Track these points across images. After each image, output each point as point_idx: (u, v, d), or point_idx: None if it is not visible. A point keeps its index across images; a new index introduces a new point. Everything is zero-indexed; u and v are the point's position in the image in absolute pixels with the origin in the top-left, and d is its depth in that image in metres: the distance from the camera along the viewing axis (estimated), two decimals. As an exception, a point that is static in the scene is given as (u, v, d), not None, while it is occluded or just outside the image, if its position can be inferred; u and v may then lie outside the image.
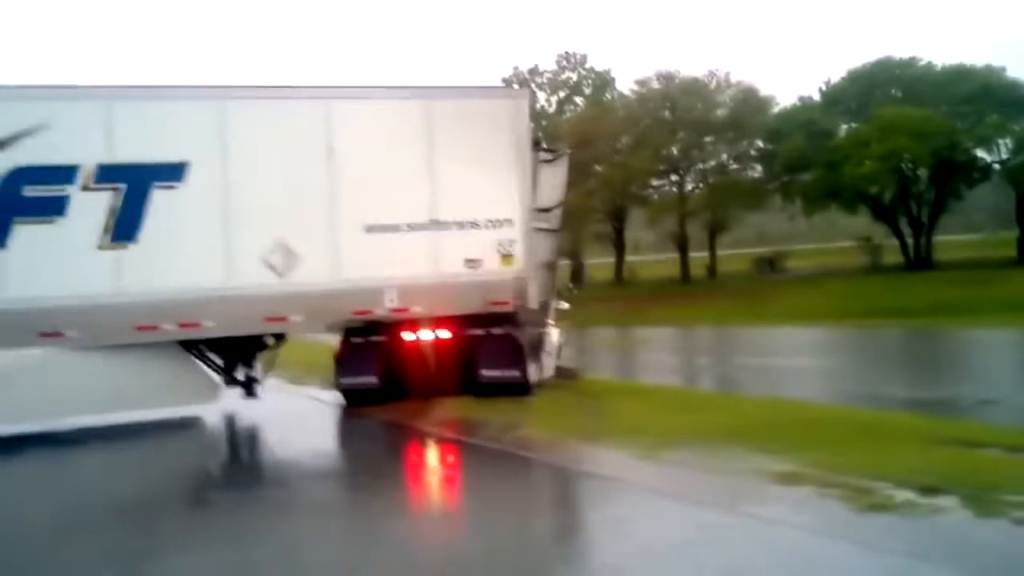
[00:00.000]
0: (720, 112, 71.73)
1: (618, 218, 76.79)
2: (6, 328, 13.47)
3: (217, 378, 15.33)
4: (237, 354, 15.45)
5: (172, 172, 14.20)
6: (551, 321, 19.57)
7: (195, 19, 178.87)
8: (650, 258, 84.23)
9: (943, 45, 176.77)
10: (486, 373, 15.21)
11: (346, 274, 14.86)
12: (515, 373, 15.19)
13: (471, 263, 15.43)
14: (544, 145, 19.20)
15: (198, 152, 14.32)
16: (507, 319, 15.80)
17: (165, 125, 14.24)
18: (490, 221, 15.55)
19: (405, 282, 15.13)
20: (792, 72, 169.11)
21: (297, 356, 19.02)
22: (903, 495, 8.02)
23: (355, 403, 15.87)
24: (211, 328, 14.46)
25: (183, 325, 14.26)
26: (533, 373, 16.12)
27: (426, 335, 15.55)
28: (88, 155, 13.87)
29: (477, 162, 15.39)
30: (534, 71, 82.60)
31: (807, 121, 64.41)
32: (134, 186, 14.03)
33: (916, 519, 7.47)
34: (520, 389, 15.19)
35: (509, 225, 15.65)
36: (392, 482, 10.73)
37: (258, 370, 15.66)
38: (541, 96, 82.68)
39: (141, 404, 14.54)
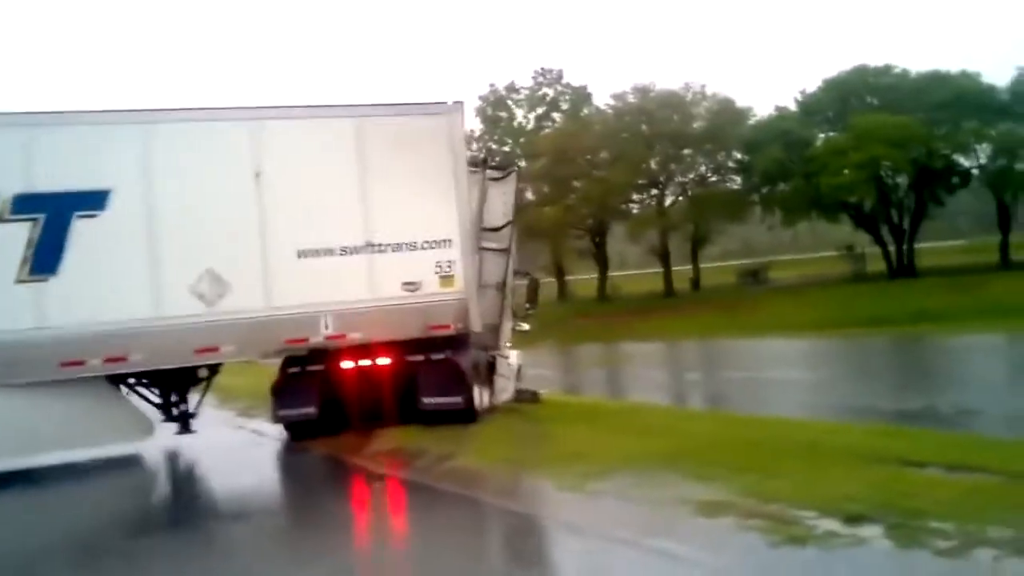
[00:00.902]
0: (697, 124, 71.88)
1: (599, 233, 76.50)
2: None
3: (148, 414, 14.70)
4: (169, 387, 14.87)
5: (93, 200, 13.63)
6: (507, 343, 19.12)
7: (117, 40, 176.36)
8: (633, 273, 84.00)
9: (917, 52, 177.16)
10: (427, 400, 14.64)
11: (278, 301, 14.29)
12: (457, 399, 14.62)
13: (409, 286, 14.87)
14: (492, 162, 18.79)
15: (120, 179, 13.76)
16: (451, 343, 15.26)
17: (85, 151, 13.66)
18: (428, 242, 15.00)
19: (341, 308, 14.56)
20: (768, 82, 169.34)
21: (243, 382, 18.40)
22: (826, 525, 7.53)
23: (296, 435, 15.34)
24: (139, 362, 13.88)
25: (109, 360, 13.68)
26: (480, 398, 15.58)
27: (365, 362, 14.96)
28: (4, 184, 13.32)
29: (413, 181, 14.84)
30: (511, 87, 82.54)
31: (784, 131, 64.40)
32: (53, 216, 13.46)
33: (832, 552, 6.99)
34: (464, 415, 14.62)
35: (448, 245, 15.09)
36: (302, 521, 10.30)
37: (192, 403, 15.05)
38: (519, 112, 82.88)
39: (68, 444, 13.94)
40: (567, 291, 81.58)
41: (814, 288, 63.60)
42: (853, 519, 7.59)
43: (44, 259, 13.41)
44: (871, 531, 7.31)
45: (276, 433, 15.76)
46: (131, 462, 14.65)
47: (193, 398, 15.17)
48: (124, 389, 14.48)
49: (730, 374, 40.17)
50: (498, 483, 10.51)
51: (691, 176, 74.81)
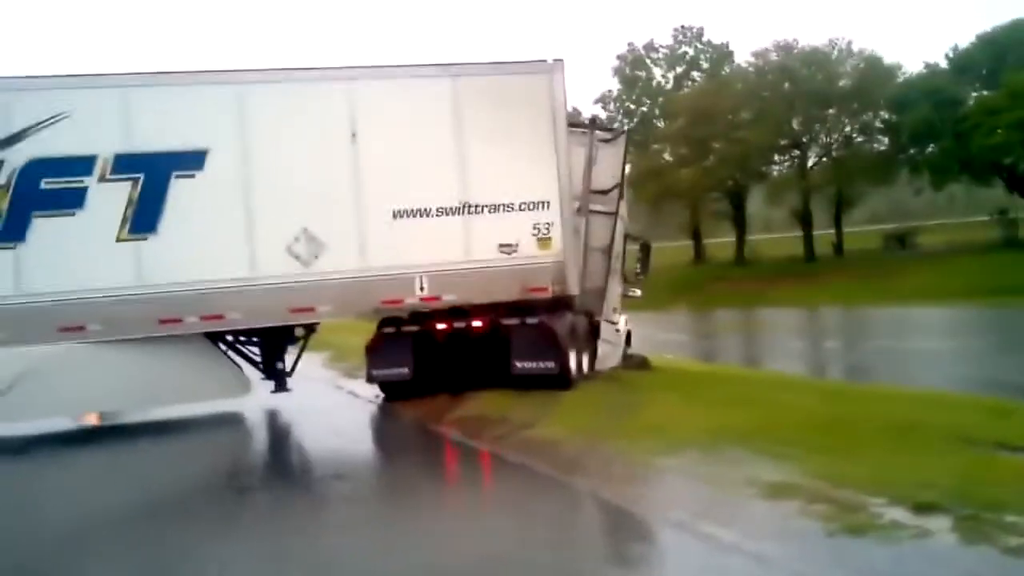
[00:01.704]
0: (842, 83, 69.45)
1: (738, 195, 74.80)
2: (27, 323, 13.28)
3: (245, 372, 14.88)
4: (267, 346, 15.00)
5: (191, 160, 13.79)
6: (615, 308, 18.75)
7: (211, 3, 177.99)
8: (773, 236, 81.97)
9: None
10: (520, 365, 14.40)
11: (373, 262, 14.26)
12: (550, 364, 14.32)
13: (505, 248, 14.66)
14: (601, 123, 18.37)
15: (217, 139, 13.89)
16: (548, 307, 14.99)
17: (182, 112, 13.83)
18: (525, 203, 14.74)
19: (435, 269, 14.44)
20: (918, 38, 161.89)
21: (357, 340, 18.35)
22: (893, 514, 7.04)
23: (390, 395, 15.34)
24: (235, 320, 14.07)
25: (206, 317, 13.88)
26: (579, 364, 15.28)
27: (460, 324, 14.83)
28: (105, 145, 13.56)
29: (510, 141, 14.58)
30: (650, 46, 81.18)
31: (934, 89, 61.60)
32: (152, 176, 13.67)
33: (889, 545, 6.49)
34: (558, 381, 14.33)
35: (546, 207, 14.80)
36: (352, 488, 10.26)
37: (288, 362, 15.14)
38: (657, 72, 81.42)
39: (167, 399, 14.27)
40: (704, 254, 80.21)
41: (964, 255, 60.84)
42: (924, 508, 7.07)
43: (144, 218, 13.66)
44: (939, 523, 6.79)
45: (371, 394, 15.74)
46: (223, 420, 14.84)
47: (290, 357, 15.21)
48: (223, 347, 14.64)
49: (868, 343, 38.99)
50: (566, 456, 10.22)
51: (835, 137, 72.32)
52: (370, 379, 15.21)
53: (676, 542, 7.20)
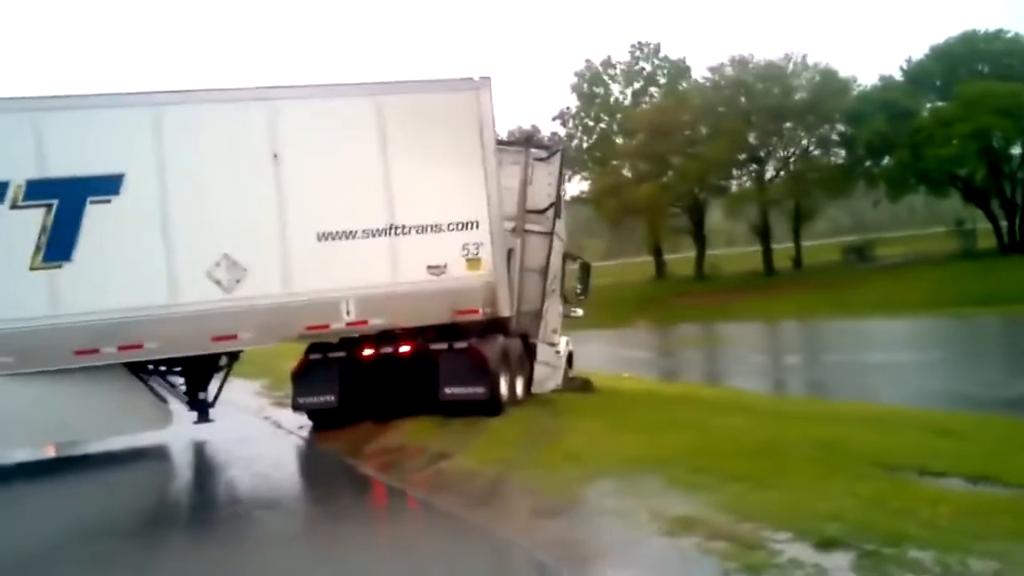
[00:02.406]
0: (798, 96, 69.73)
1: (697, 210, 74.97)
2: None
3: (165, 403, 14.43)
4: (188, 375, 14.58)
5: (106, 185, 13.35)
6: (554, 330, 18.48)
7: (130, 22, 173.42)
8: (733, 251, 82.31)
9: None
10: (448, 391, 14.06)
11: (298, 286, 13.88)
12: (479, 389, 13.99)
13: (434, 269, 14.33)
14: (537, 142, 18.12)
15: (133, 163, 13.46)
16: (478, 330, 14.69)
17: (97, 136, 13.40)
18: (454, 224, 14.41)
19: (362, 292, 14.07)
20: (872, 51, 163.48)
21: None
22: (794, 551, 6.79)
23: (317, 424, 14.96)
24: (155, 349, 13.58)
25: (124, 347, 13.41)
26: (512, 388, 14.97)
27: (387, 350, 14.48)
28: (16, 171, 13.11)
29: (437, 160, 14.28)
30: (607, 63, 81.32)
31: (889, 101, 61.98)
32: (66, 202, 13.23)
33: (779, 589, 6.22)
34: (488, 407, 13.98)
35: (475, 227, 14.49)
36: (231, 530, 9.75)
37: (211, 392, 14.72)
38: (615, 88, 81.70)
39: (84, 433, 13.90)
40: (665, 270, 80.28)
41: (923, 266, 61.29)
42: (827, 544, 6.83)
43: (58, 246, 13.20)
44: (838, 560, 6.54)
45: (297, 423, 15.32)
46: (127, 455, 14.41)
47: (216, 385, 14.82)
48: (144, 377, 14.19)
49: (826, 357, 38.97)
50: (474, 490, 9.86)
51: (792, 150, 72.68)
52: (296, 407, 14.82)
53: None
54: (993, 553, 6.35)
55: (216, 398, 14.63)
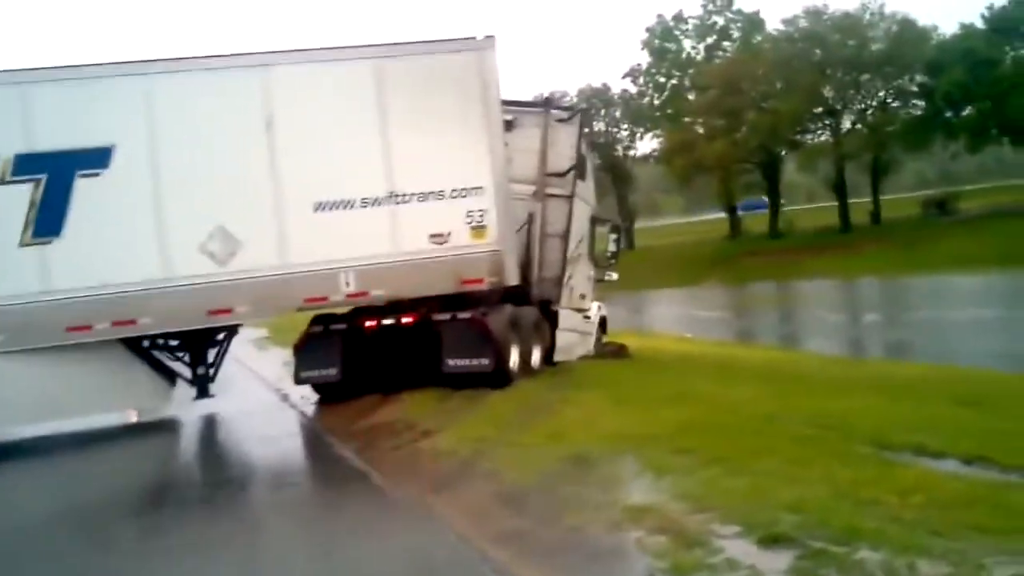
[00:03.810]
0: (875, 47, 67.30)
1: (770, 166, 73.22)
2: None
3: (163, 378, 14.13)
4: (185, 350, 14.26)
5: (95, 158, 13.01)
6: (583, 295, 17.88)
7: None
8: (809, 207, 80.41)
9: None
10: (450, 362, 13.52)
11: (295, 258, 13.43)
12: (484, 361, 13.42)
13: (437, 238, 13.79)
14: (556, 103, 17.41)
15: (123, 134, 13.10)
16: (485, 300, 14.15)
17: (85, 107, 13.06)
18: (457, 190, 13.84)
19: (362, 263, 13.58)
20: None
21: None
22: (734, 549, 6.16)
23: (323, 396, 14.54)
24: (148, 325, 13.25)
25: (117, 323, 13.11)
26: (522, 358, 14.39)
27: (389, 321, 13.99)
28: (4, 145, 12.86)
29: (439, 125, 13.72)
30: (679, 17, 79.33)
31: (969, 51, 59.59)
32: (55, 176, 12.93)
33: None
34: (494, 379, 13.42)
35: (479, 193, 13.90)
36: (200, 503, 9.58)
37: (211, 366, 14.38)
38: (687, 44, 79.76)
39: (81, 411, 13.54)
40: (740, 227, 78.76)
41: (1006, 218, 58.95)
42: (773, 541, 6.17)
43: (47, 221, 12.93)
44: (778, 561, 5.88)
45: (306, 396, 14.91)
46: (120, 431, 14.05)
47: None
48: (141, 353, 13.89)
49: (900, 315, 37.95)
50: (441, 472, 9.38)
51: (870, 103, 70.43)
52: (298, 380, 14.41)
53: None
54: (948, 554, 5.65)
55: (215, 372, 14.27)
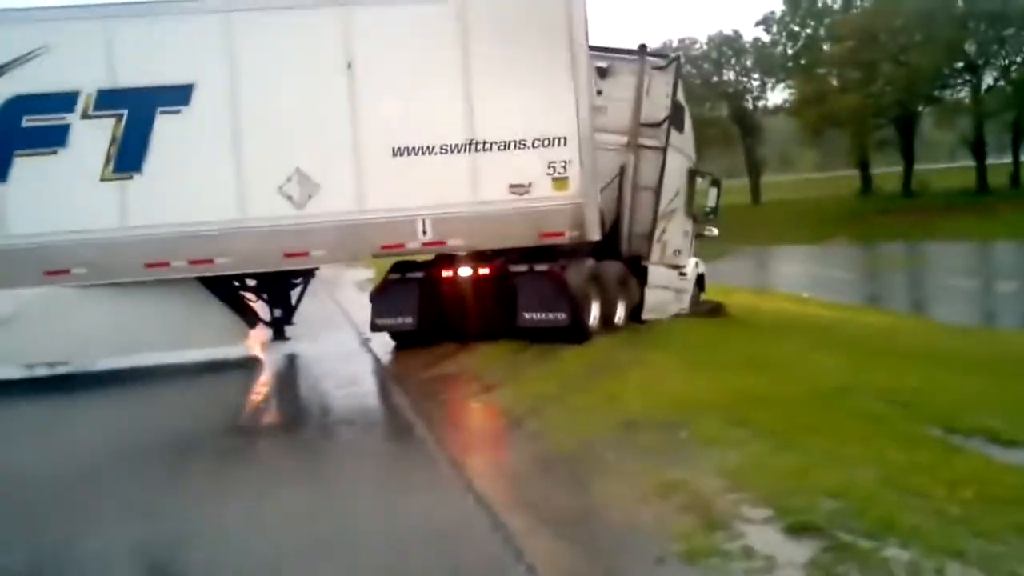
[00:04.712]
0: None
1: (905, 122, 70.40)
2: (9, 266, 12.85)
3: (241, 319, 14.13)
4: (263, 291, 14.24)
5: (176, 95, 13.01)
6: (678, 250, 17.28)
7: None
8: (944, 167, 77.19)
9: None
10: (526, 316, 13.13)
11: (372, 204, 13.21)
12: (561, 316, 13.00)
13: (517, 188, 13.38)
14: (653, 50, 16.71)
15: (204, 72, 13.05)
16: (565, 252, 13.76)
17: (167, 44, 13.04)
18: (539, 140, 13.37)
19: (439, 211, 13.28)
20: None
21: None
22: (758, 536, 5.70)
23: (400, 343, 14.34)
24: (225, 264, 13.24)
25: (194, 262, 13.13)
26: (604, 313, 13.97)
27: (467, 271, 13.70)
28: (87, 80, 12.90)
29: (523, 70, 13.27)
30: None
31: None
32: (136, 112, 12.96)
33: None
34: (571, 333, 13.01)
35: (563, 143, 13.40)
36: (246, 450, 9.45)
37: (288, 308, 14.33)
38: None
39: (157, 346, 13.63)
40: (872, 185, 76.13)
41: None
42: (800, 529, 5.68)
43: (128, 157, 12.99)
44: (798, 553, 5.40)
45: (385, 341, 14.72)
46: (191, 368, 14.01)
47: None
48: (219, 292, 13.91)
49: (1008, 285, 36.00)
50: (483, 432, 9.34)
51: (1014, 59, 67.01)
52: (374, 328, 14.21)
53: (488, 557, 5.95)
54: (981, 557, 5.12)
55: (292, 315, 14.22)
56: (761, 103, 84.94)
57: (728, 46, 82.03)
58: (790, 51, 78.45)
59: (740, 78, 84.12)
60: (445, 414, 10.08)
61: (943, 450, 7.43)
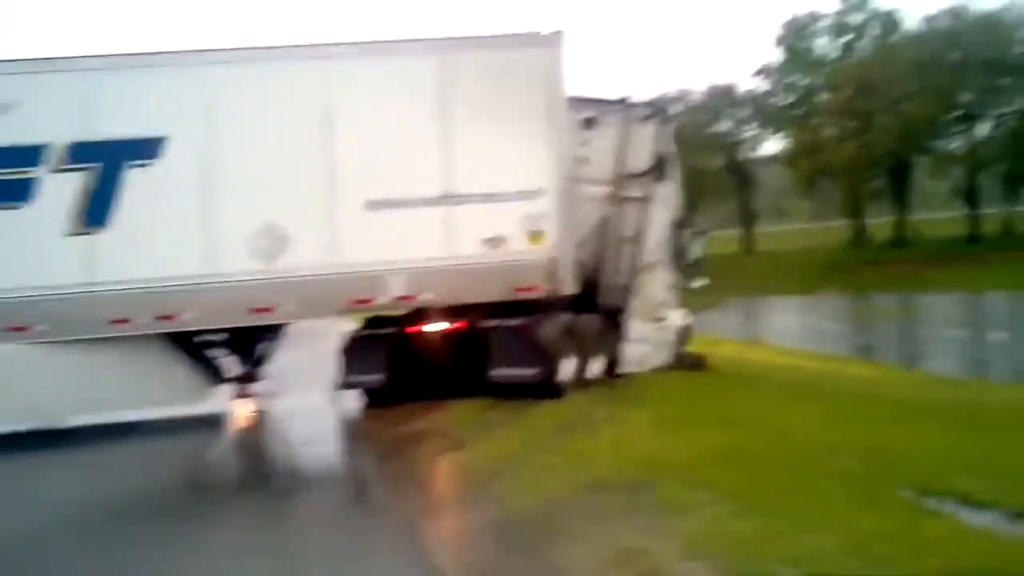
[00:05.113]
0: (1019, 51, 64.07)
1: (899, 171, 70.52)
2: None
3: (206, 375, 13.85)
4: (232, 346, 13.97)
5: (147, 148, 12.80)
6: (660, 303, 17.02)
7: None
8: (936, 216, 77.12)
9: None
10: (496, 372, 12.97)
11: (344, 258, 13.01)
12: (531, 371, 12.81)
13: (491, 242, 13.20)
14: (634, 101, 16.60)
15: (177, 125, 12.84)
16: (538, 307, 13.53)
17: (140, 96, 12.88)
18: (516, 193, 13.24)
19: (413, 266, 13.08)
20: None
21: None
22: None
23: (371, 401, 14.06)
24: (190, 321, 12.96)
25: (160, 318, 12.88)
26: (580, 368, 13.72)
27: (437, 327, 13.47)
28: (59, 133, 12.69)
29: (500, 124, 13.15)
30: (814, 15, 76.87)
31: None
32: (106, 165, 12.75)
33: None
34: (543, 389, 12.80)
35: (539, 196, 13.26)
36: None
37: (257, 363, 14.06)
38: (823, 42, 77.20)
39: (122, 404, 13.38)
40: (864, 234, 76.08)
41: None
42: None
43: (95, 211, 12.77)
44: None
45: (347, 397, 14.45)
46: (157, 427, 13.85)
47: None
48: (185, 347, 13.64)
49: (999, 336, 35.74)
50: (445, 492, 9.09)
51: (1011, 109, 67.19)
52: (343, 386, 13.98)
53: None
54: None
55: (259, 371, 13.96)
56: (753, 153, 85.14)
57: (724, 97, 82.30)
58: (788, 101, 78.64)
59: (735, 129, 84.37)
60: (408, 474, 9.88)
61: (913, 513, 7.13)
